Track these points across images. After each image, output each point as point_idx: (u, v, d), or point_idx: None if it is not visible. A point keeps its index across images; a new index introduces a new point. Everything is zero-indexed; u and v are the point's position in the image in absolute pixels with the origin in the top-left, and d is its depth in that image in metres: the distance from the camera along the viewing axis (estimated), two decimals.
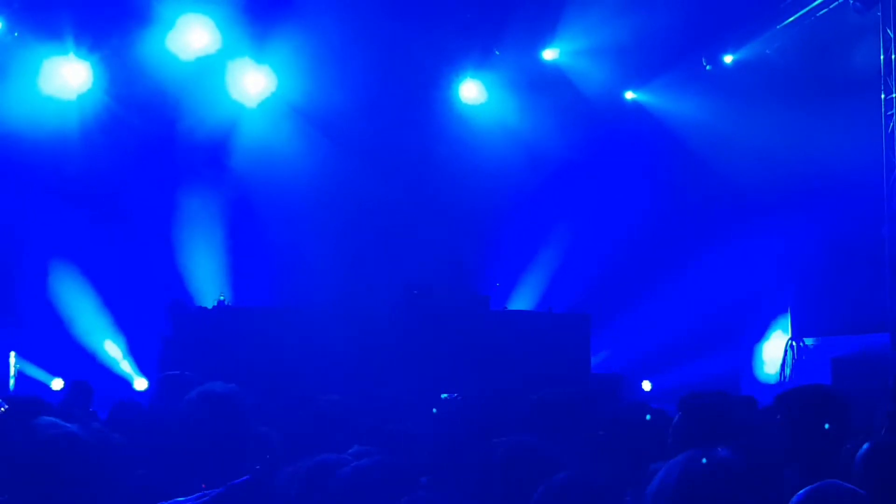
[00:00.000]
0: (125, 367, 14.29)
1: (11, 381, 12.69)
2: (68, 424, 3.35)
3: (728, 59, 15.21)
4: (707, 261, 14.86)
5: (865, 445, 3.50)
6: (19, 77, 13.74)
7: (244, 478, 3.21)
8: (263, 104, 15.06)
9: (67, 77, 14.11)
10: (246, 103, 14.95)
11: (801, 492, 3.22)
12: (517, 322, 12.89)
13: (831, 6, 13.16)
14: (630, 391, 13.42)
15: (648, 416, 4.74)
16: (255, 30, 14.09)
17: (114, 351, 14.38)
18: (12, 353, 12.91)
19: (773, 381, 14.09)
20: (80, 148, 14.10)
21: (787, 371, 14.08)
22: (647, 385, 14.33)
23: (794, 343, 14.06)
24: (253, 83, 14.88)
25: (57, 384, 13.26)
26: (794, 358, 13.94)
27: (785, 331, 14.74)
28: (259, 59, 14.69)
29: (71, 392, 8.31)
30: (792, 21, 13.92)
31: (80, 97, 14.15)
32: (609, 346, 14.52)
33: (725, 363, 14.62)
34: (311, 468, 3.67)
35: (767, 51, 14.83)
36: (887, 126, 12.28)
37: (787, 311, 14.69)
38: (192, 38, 13.91)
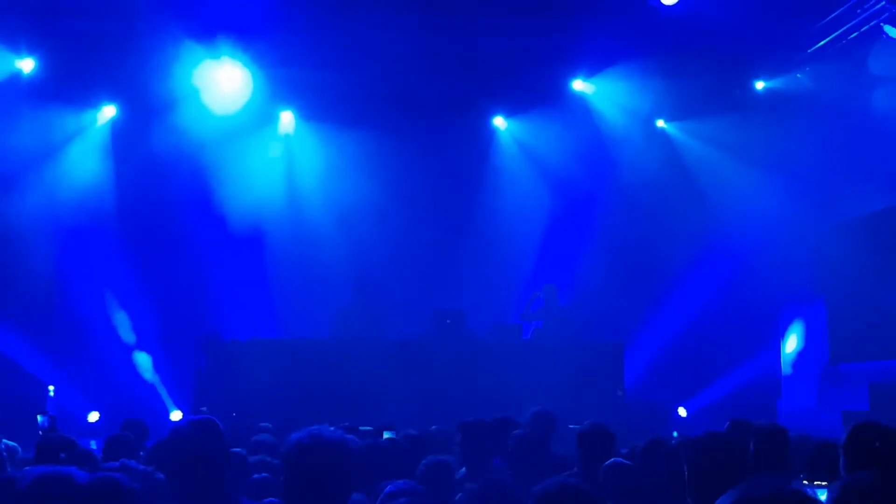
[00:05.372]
0: (161, 398, 14.38)
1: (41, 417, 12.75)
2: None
3: (760, 85, 15.12)
4: (726, 277, 14.77)
5: None
6: (53, 119, 14.06)
7: None
8: (290, 139, 15.36)
9: (101, 118, 14.58)
10: (275, 140, 15.24)
11: None
12: (550, 351, 12.84)
13: (862, 30, 13.04)
14: (667, 419, 13.30)
15: None
16: (282, 73, 14.13)
17: (150, 382, 14.49)
18: (51, 388, 13.02)
19: (807, 403, 13.93)
20: (117, 187, 14.40)
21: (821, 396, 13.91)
22: (682, 411, 14.19)
23: (830, 368, 13.88)
24: (281, 122, 15.34)
25: (93, 417, 13.37)
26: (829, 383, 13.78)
27: (799, 337, 14.71)
28: (286, 100, 14.93)
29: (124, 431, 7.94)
30: (824, 45, 13.81)
31: (115, 136, 14.56)
32: (641, 372, 14.41)
33: (755, 374, 14.56)
34: None
35: (798, 75, 14.73)
36: None
37: (801, 317, 14.67)
38: (222, 84, 13.83)
